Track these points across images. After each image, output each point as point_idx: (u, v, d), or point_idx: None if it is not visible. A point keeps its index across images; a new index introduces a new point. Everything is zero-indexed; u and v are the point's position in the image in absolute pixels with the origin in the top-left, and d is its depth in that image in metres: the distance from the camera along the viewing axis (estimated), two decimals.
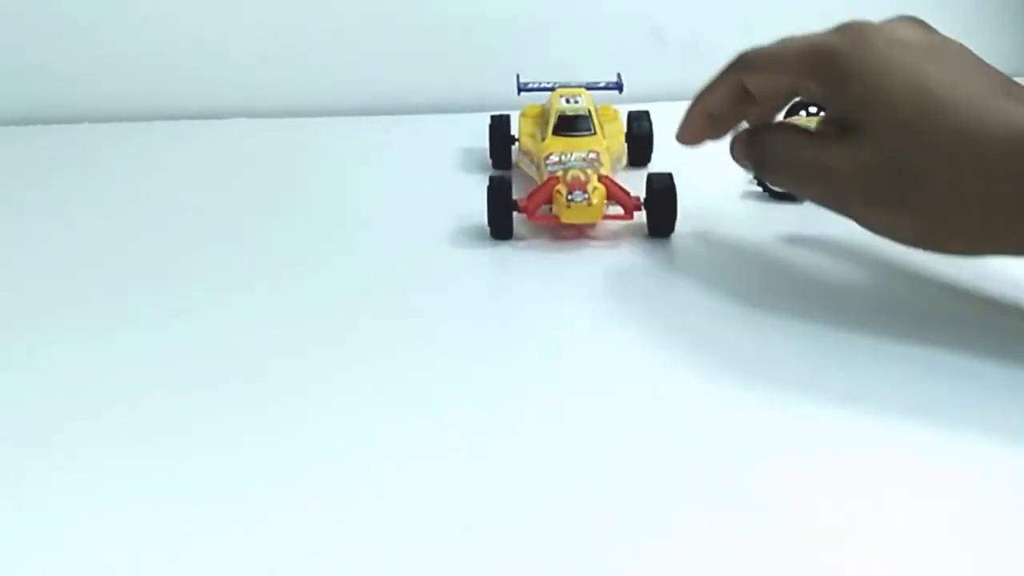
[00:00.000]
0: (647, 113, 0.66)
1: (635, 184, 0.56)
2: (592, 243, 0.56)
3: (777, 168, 0.48)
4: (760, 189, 0.63)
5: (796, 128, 0.48)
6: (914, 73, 0.42)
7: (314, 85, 0.84)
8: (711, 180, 0.56)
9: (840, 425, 0.40)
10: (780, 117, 0.73)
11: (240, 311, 0.51)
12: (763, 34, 0.87)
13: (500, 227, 0.55)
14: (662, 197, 0.55)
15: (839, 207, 0.45)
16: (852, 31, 0.44)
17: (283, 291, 0.53)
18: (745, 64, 0.49)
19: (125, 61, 0.82)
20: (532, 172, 0.61)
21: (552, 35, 0.84)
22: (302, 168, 0.72)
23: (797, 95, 0.48)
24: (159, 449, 0.40)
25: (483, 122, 0.68)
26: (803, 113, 0.78)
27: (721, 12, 0.85)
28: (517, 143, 0.65)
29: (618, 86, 0.68)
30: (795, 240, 0.54)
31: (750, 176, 0.66)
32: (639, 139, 0.66)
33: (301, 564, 0.34)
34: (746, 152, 0.50)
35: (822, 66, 0.44)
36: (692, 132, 0.53)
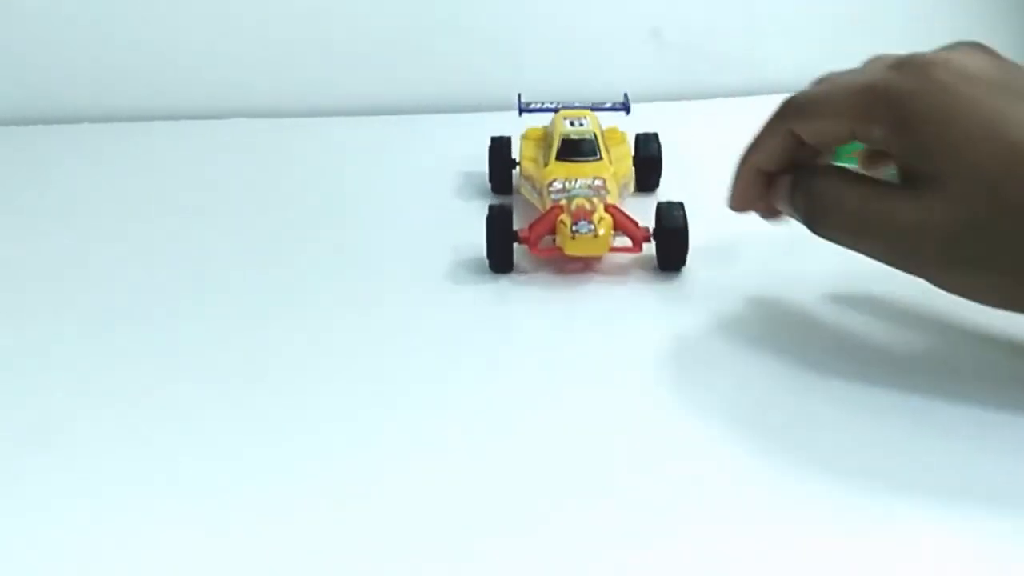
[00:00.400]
0: (656, 135, 0.63)
1: (643, 213, 0.53)
2: (598, 277, 0.53)
3: (832, 221, 0.42)
4: None
5: (851, 173, 0.43)
6: (988, 114, 0.38)
7: (314, 85, 0.84)
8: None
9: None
10: None
11: (239, 312, 0.51)
12: (764, 34, 0.88)
13: (500, 260, 0.53)
14: (673, 229, 0.52)
15: (909, 267, 0.40)
16: (913, 66, 0.40)
17: (281, 293, 0.53)
18: (795, 112, 0.44)
19: (125, 61, 0.82)
20: (534, 199, 0.58)
21: (552, 34, 0.84)
22: (302, 169, 0.71)
23: (856, 140, 0.42)
24: (159, 449, 0.40)
25: (484, 123, 0.67)
26: None
27: (721, 12, 0.85)
28: (518, 167, 0.62)
29: (625, 107, 0.65)
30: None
31: None
32: (647, 162, 0.62)
33: (301, 564, 0.34)
34: (792, 200, 0.44)
35: (881, 108, 0.40)
36: (745, 195, 0.47)
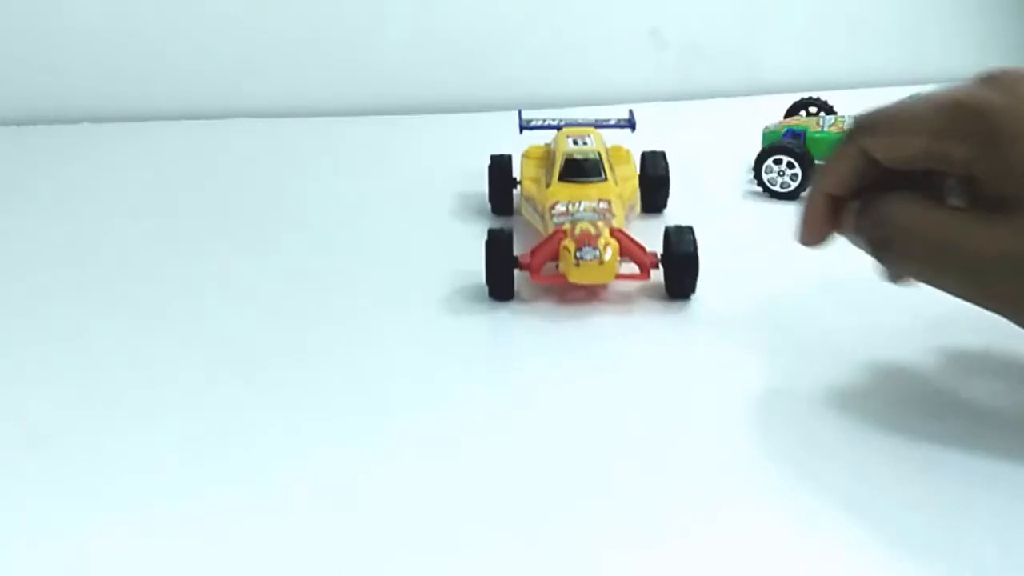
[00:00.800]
0: (663, 154, 0.60)
1: (650, 237, 0.51)
2: (603, 306, 0.50)
3: (902, 249, 0.38)
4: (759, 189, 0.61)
5: (923, 197, 0.38)
6: None
7: (315, 85, 0.84)
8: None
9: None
10: (780, 118, 0.74)
11: (237, 311, 0.51)
12: (764, 34, 0.88)
13: (500, 287, 0.50)
14: (682, 254, 0.49)
15: (991, 303, 0.37)
16: (1004, 82, 0.36)
17: (277, 292, 0.53)
18: (870, 128, 0.39)
19: (125, 61, 0.82)
20: (536, 222, 0.55)
21: (552, 34, 0.84)
22: (301, 169, 0.71)
23: (935, 161, 0.38)
24: (157, 447, 0.40)
25: (486, 126, 0.66)
26: (803, 113, 0.78)
27: (720, 13, 0.85)
28: (519, 186, 0.59)
29: (630, 124, 0.62)
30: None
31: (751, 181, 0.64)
32: (654, 182, 0.59)
33: (301, 563, 0.34)
34: (859, 226, 0.40)
35: (966, 124, 0.36)
36: (814, 225, 0.42)
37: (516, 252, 0.50)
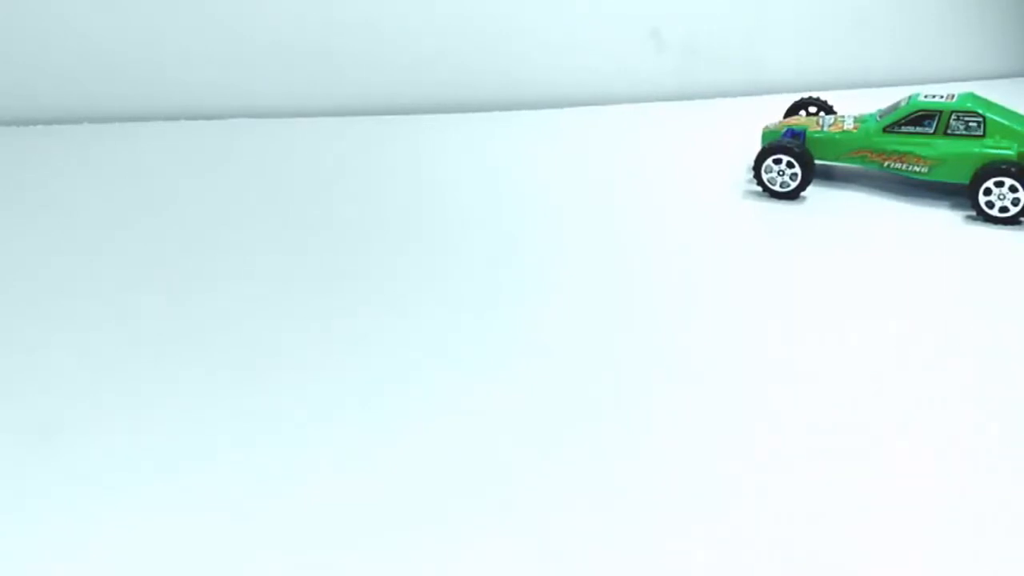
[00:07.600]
0: None
1: None
2: None
3: None
4: None
5: None
6: None
7: (314, 86, 0.84)
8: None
9: None
10: (780, 118, 0.74)
11: (236, 309, 0.51)
12: (764, 34, 0.88)
13: None
14: None
15: None
16: None
17: (275, 291, 0.53)
18: None
19: (124, 61, 0.82)
20: None
21: (552, 34, 0.84)
22: (301, 168, 0.71)
23: None
24: (158, 448, 0.40)
25: (483, 124, 0.66)
26: (803, 113, 0.78)
27: (721, 13, 0.85)
28: None
29: None
30: None
31: None
32: None
33: (299, 561, 0.34)
34: None
35: None
36: None
37: None
